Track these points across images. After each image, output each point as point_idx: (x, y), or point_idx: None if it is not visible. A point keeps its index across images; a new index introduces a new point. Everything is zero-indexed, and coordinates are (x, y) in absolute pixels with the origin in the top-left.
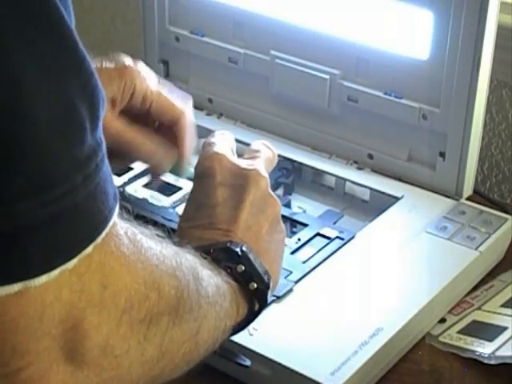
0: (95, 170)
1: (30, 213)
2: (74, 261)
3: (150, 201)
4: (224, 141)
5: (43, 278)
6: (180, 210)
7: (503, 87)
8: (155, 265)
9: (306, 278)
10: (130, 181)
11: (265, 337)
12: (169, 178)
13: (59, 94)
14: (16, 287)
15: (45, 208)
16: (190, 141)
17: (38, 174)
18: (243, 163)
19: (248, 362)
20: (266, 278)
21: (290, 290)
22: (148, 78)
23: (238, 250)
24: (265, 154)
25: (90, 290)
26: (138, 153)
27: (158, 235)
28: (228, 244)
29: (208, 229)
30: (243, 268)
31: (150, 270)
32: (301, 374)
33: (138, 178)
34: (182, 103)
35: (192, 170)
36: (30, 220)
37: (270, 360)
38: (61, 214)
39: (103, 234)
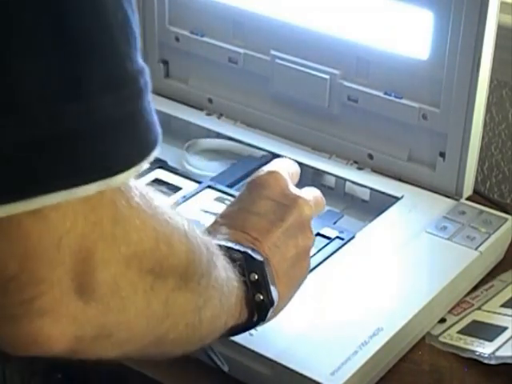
0: (147, 83)
1: (109, 109)
2: (145, 164)
3: None
4: (286, 165)
5: (122, 177)
6: (180, 210)
7: (503, 87)
8: (167, 221)
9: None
10: None
11: (265, 337)
12: (169, 178)
13: (120, 4)
14: (96, 185)
15: (121, 105)
16: None
17: (111, 71)
18: (295, 189)
19: (226, 368)
20: (273, 294)
21: None
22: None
23: (258, 257)
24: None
25: (102, 223)
26: None
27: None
28: (250, 250)
29: (239, 231)
30: (256, 277)
31: (161, 224)
32: (301, 374)
33: (138, 178)
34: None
35: None
36: (109, 116)
37: (270, 360)
38: (134, 113)
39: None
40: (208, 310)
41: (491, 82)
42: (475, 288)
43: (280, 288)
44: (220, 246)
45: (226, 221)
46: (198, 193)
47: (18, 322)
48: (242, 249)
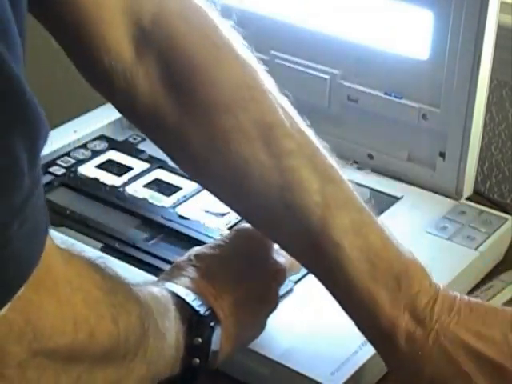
0: (31, 212)
1: None
2: (7, 306)
3: (150, 201)
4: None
5: None
6: (180, 210)
7: (503, 87)
8: (91, 308)
9: (306, 277)
10: (130, 181)
11: (265, 337)
12: (169, 178)
13: (3, 149)
14: None
15: None
16: None
17: None
18: (278, 255)
19: None
20: (212, 358)
21: (290, 290)
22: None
23: (210, 321)
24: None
25: (14, 322)
26: None
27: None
28: (204, 309)
29: (205, 280)
30: (200, 341)
31: (84, 314)
32: (301, 374)
33: (138, 178)
34: None
35: None
36: None
37: (270, 360)
38: None
39: (35, 272)
40: (132, 377)
41: (491, 82)
42: (475, 288)
43: (232, 342)
44: (176, 295)
45: (199, 263)
46: (198, 193)
47: None
48: (196, 308)
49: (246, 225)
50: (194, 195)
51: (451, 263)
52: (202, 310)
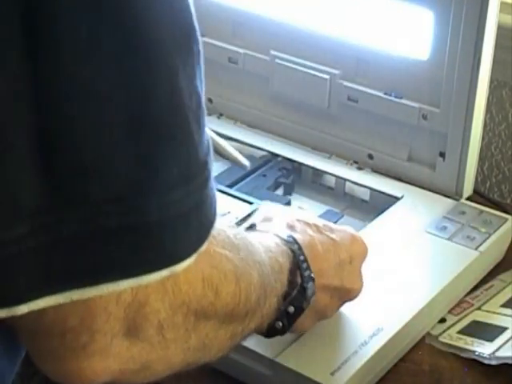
0: (209, 170)
1: (181, 202)
2: (206, 244)
3: None
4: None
5: (186, 263)
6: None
7: (503, 87)
8: (215, 267)
9: None
10: None
11: None
12: None
13: (193, 83)
14: (164, 273)
15: (192, 196)
16: None
17: (186, 165)
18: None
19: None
20: (287, 322)
21: None
22: None
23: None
24: None
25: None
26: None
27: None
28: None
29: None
30: (293, 309)
31: (209, 272)
32: (301, 374)
33: None
34: None
35: None
36: (180, 209)
37: (270, 360)
38: (203, 200)
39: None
40: (245, 333)
41: (491, 82)
42: (475, 288)
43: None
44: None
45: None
46: None
47: (68, 361)
48: (304, 273)
49: (357, 235)
50: None
51: (451, 263)
52: (306, 275)
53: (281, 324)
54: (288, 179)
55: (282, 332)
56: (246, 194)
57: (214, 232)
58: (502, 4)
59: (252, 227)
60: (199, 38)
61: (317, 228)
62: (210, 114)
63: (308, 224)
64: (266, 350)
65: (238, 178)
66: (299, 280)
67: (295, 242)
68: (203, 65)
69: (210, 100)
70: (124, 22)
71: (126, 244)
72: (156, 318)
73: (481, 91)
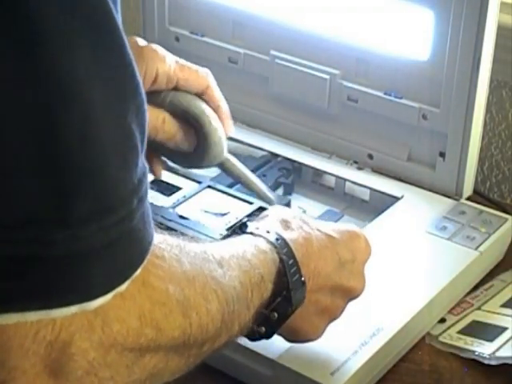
0: (145, 193)
1: (92, 237)
2: (126, 283)
3: (150, 201)
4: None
5: (99, 301)
6: (180, 210)
7: (503, 87)
8: (158, 302)
9: None
10: None
11: None
12: (169, 178)
13: (121, 118)
14: (73, 309)
15: (106, 232)
16: (225, 103)
17: (100, 199)
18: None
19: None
20: (270, 328)
21: None
22: (167, 56)
23: (292, 306)
24: None
25: (81, 315)
26: (157, 135)
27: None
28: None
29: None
30: (276, 316)
31: (149, 309)
32: (301, 374)
33: None
34: (202, 71)
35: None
36: (92, 244)
37: (270, 360)
38: (119, 238)
39: (148, 254)
40: (212, 349)
41: (491, 82)
42: (475, 288)
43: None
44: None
45: (308, 229)
46: (197, 193)
47: None
48: (290, 278)
49: (360, 232)
50: (193, 195)
51: (451, 263)
52: (295, 279)
53: (264, 329)
54: (288, 179)
55: (266, 337)
56: (246, 194)
57: (162, 263)
58: (502, 4)
59: (242, 227)
60: (136, 73)
61: (315, 225)
62: None
63: (305, 221)
64: (267, 350)
65: None
66: (286, 286)
67: (285, 244)
68: (144, 99)
69: None
70: (37, 53)
71: (32, 275)
72: (84, 358)
73: (481, 91)
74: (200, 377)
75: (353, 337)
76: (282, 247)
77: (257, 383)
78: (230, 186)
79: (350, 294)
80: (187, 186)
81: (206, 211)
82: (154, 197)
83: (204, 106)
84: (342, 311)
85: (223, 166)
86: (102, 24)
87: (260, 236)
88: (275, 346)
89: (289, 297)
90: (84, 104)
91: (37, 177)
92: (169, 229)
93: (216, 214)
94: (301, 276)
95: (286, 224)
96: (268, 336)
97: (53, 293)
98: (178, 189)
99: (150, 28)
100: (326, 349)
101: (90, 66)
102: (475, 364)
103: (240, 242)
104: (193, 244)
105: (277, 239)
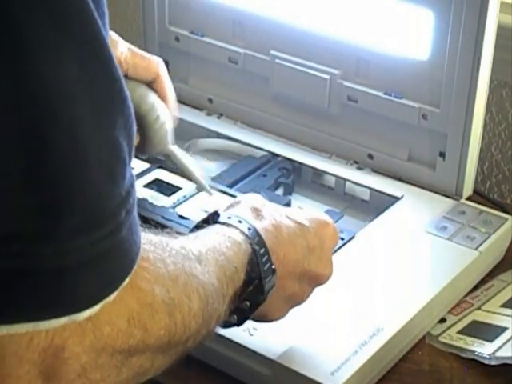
0: (133, 204)
1: (80, 251)
2: (114, 294)
3: (150, 201)
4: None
5: (87, 312)
6: (180, 210)
7: (503, 87)
8: (145, 303)
9: None
10: None
11: (265, 337)
12: (169, 178)
13: (109, 133)
14: (62, 321)
15: (94, 246)
16: (173, 92)
17: (88, 214)
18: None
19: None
20: (242, 316)
21: None
22: (120, 43)
23: (263, 294)
24: None
25: (71, 323)
26: None
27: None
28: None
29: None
30: (248, 304)
31: (137, 310)
32: (301, 374)
33: (138, 177)
34: (154, 59)
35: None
36: (80, 258)
37: (270, 360)
38: (107, 251)
39: (136, 264)
40: (193, 344)
41: (491, 82)
42: (475, 288)
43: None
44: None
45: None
46: (197, 193)
47: None
48: (262, 267)
49: (329, 220)
50: (193, 195)
51: (451, 263)
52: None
53: (236, 317)
54: (288, 179)
55: (238, 324)
56: (246, 194)
57: (148, 265)
58: (502, 4)
59: (215, 216)
60: (124, 87)
61: (284, 213)
62: (210, 114)
63: (276, 209)
64: (267, 350)
65: (238, 178)
66: (257, 275)
67: (256, 233)
68: (132, 111)
69: (210, 100)
70: (24, 69)
71: (21, 288)
72: (77, 362)
73: (481, 91)
74: (200, 377)
75: (353, 337)
76: (254, 237)
77: (257, 383)
78: (230, 185)
79: (318, 280)
80: (187, 186)
81: (205, 211)
82: (154, 197)
83: (152, 98)
84: (308, 296)
85: (167, 158)
86: (90, 40)
87: (233, 226)
88: (275, 346)
89: (260, 285)
90: (71, 120)
91: (24, 191)
92: (169, 229)
93: None
94: (271, 264)
95: (256, 212)
96: (240, 323)
97: (42, 305)
98: (178, 189)
99: (150, 28)
100: (326, 349)
101: (78, 82)
102: (475, 364)
103: (214, 234)
104: (172, 240)
105: (249, 228)
